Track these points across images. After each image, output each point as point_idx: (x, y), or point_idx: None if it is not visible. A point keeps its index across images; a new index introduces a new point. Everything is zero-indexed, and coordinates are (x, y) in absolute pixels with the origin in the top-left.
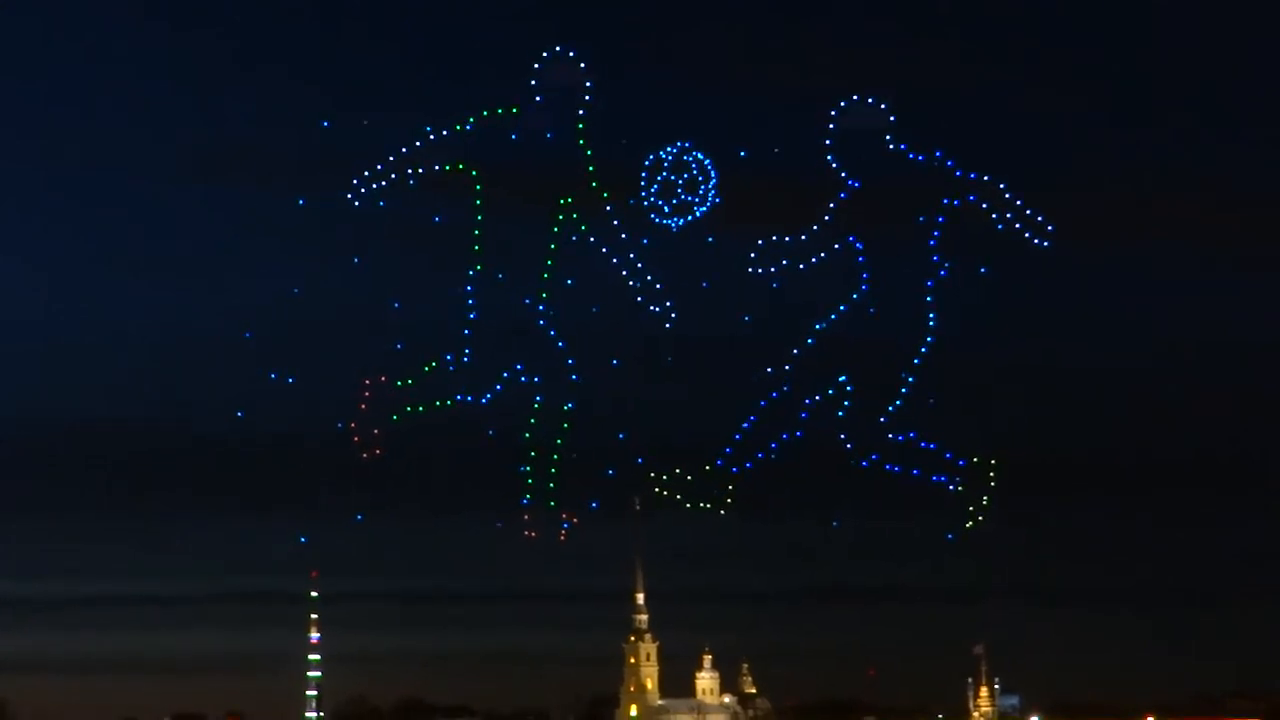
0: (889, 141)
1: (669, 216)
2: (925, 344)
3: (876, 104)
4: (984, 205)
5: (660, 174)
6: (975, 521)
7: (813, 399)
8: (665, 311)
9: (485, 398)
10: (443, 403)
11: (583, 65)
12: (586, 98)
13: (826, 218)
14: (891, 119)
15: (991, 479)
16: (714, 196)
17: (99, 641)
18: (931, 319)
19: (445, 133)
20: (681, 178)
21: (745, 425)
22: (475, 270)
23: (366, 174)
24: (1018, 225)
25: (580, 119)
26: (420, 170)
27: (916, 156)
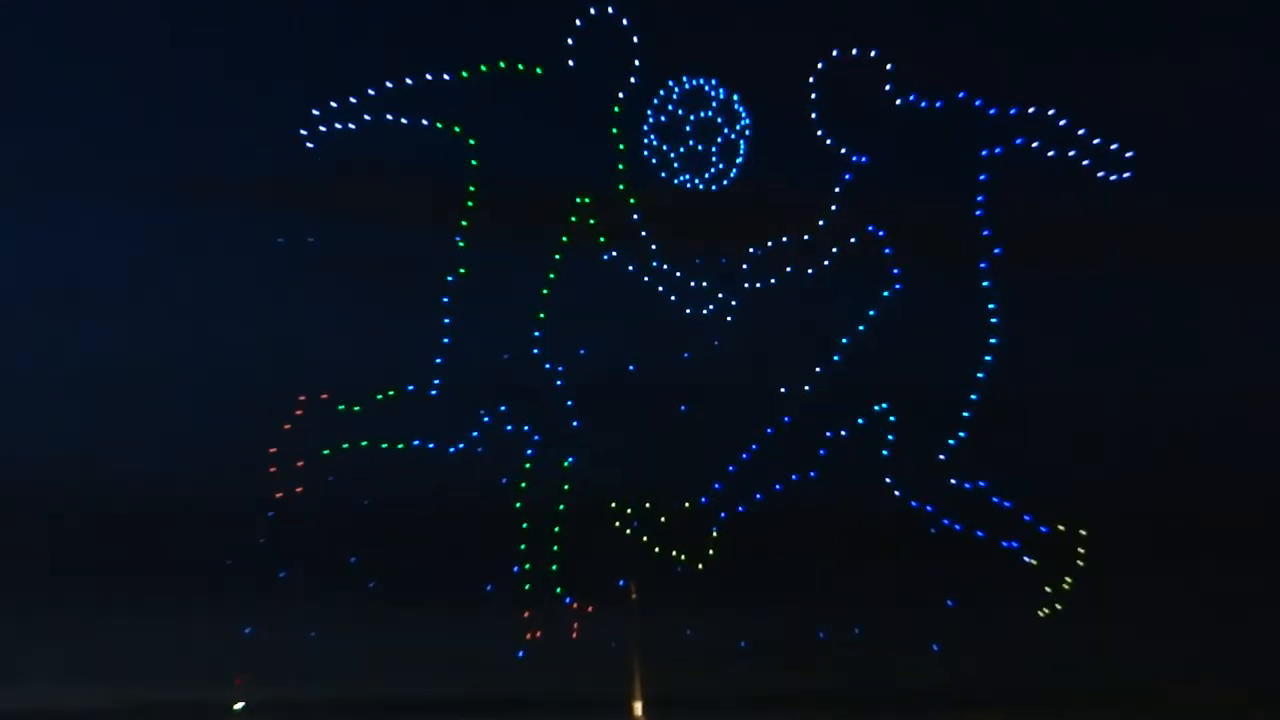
0: (891, 96)
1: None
2: (986, 355)
3: (863, 54)
4: (1035, 145)
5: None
6: (1051, 608)
7: (835, 432)
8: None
9: (458, 445)
10: (393, 445)
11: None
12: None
13: (834, 208)
14: (888, 67)
15: (1081, 551)
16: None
17: None
18: (994, 320)
19: (442, 78)
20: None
21: (731, 467)
22: (456, 276)
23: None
24: (1086, 163)
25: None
26: (400, 119)
27: (933, 104)
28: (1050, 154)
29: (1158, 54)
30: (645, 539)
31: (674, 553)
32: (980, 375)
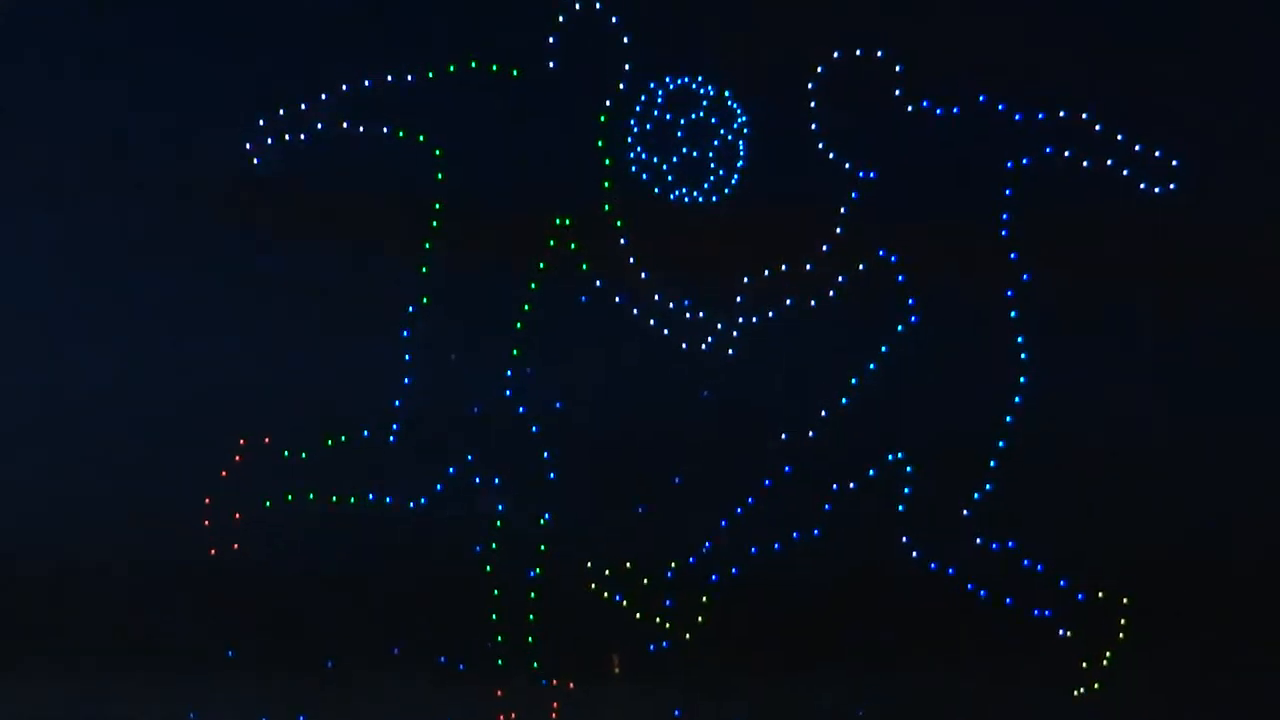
0: (902, 102)
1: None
2: (1015, 396)
3: (868, 56)
4: (1067, 154)
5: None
6: (1089, 687)
7: (843, 485)
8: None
9: (419, 500)
10: (345, 498)
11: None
12: (621, 83)
13: (839, 230)
14: (898, 69)
15: (1123, 623)
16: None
17: None
18: (1023, 356)
19: (405, 79)
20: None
21: (724, 524)
22: (418, 307)
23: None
24: (1125, 172)
25: (605, 109)
26: (358, 127)
27: (949, 110)
28: (1085, 164)
29: (1206, 46)
30: (626, 604)
31: (659, 620)
32: (1008, 420)
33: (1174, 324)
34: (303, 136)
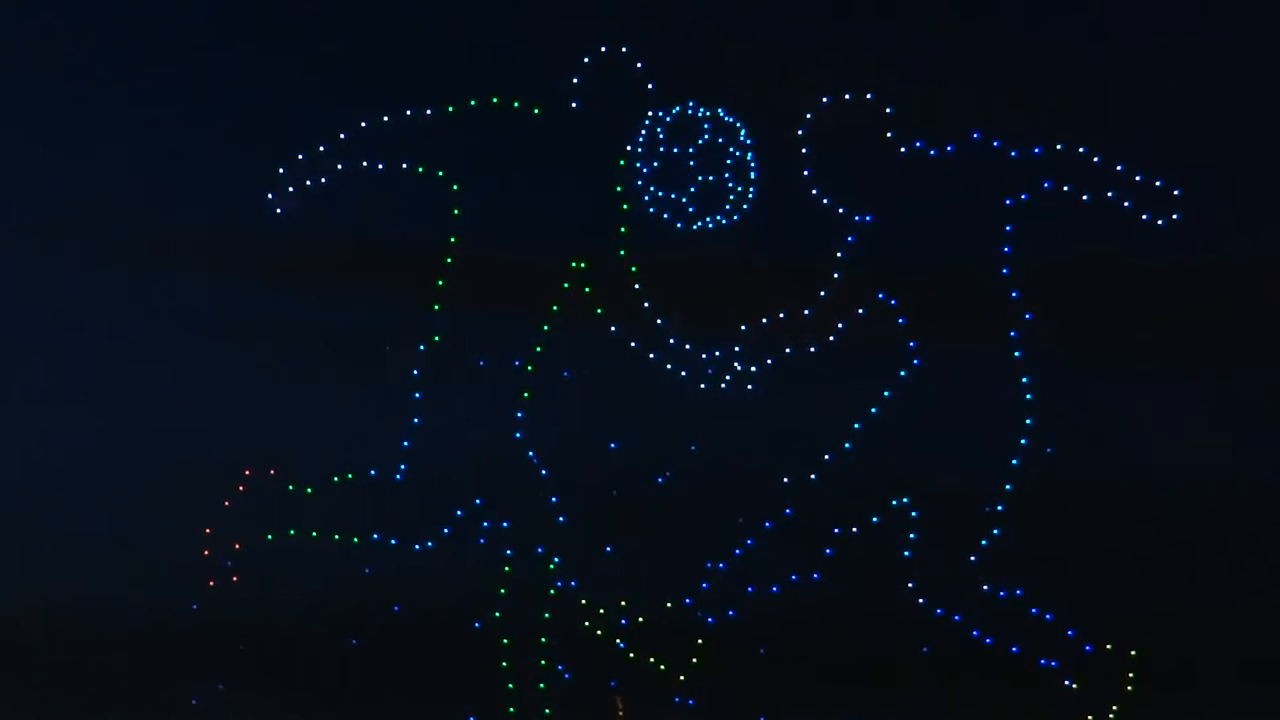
0: (894, 143)
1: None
2: (1021, 439)
3: (857, 99)
4: (1066, 188)
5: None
6: None
7: (845, 529)
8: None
9: (425, 544)
10: (347, 539)
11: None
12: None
13: (835, 275)
14: (887, 110)
15: (1131, 675)
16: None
17: None
18: (1029, 396)
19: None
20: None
21: (722, 565)
22: (429, 345)
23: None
24: (1126, 204)
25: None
26: (376, 164)
27: (943, 149)
28: (1084, 198)
29: (1203, 72)
30: (619, 643)
31: (651, 660)
32: (1014, 462)
33: (1188, 364)
34: (323, 180)
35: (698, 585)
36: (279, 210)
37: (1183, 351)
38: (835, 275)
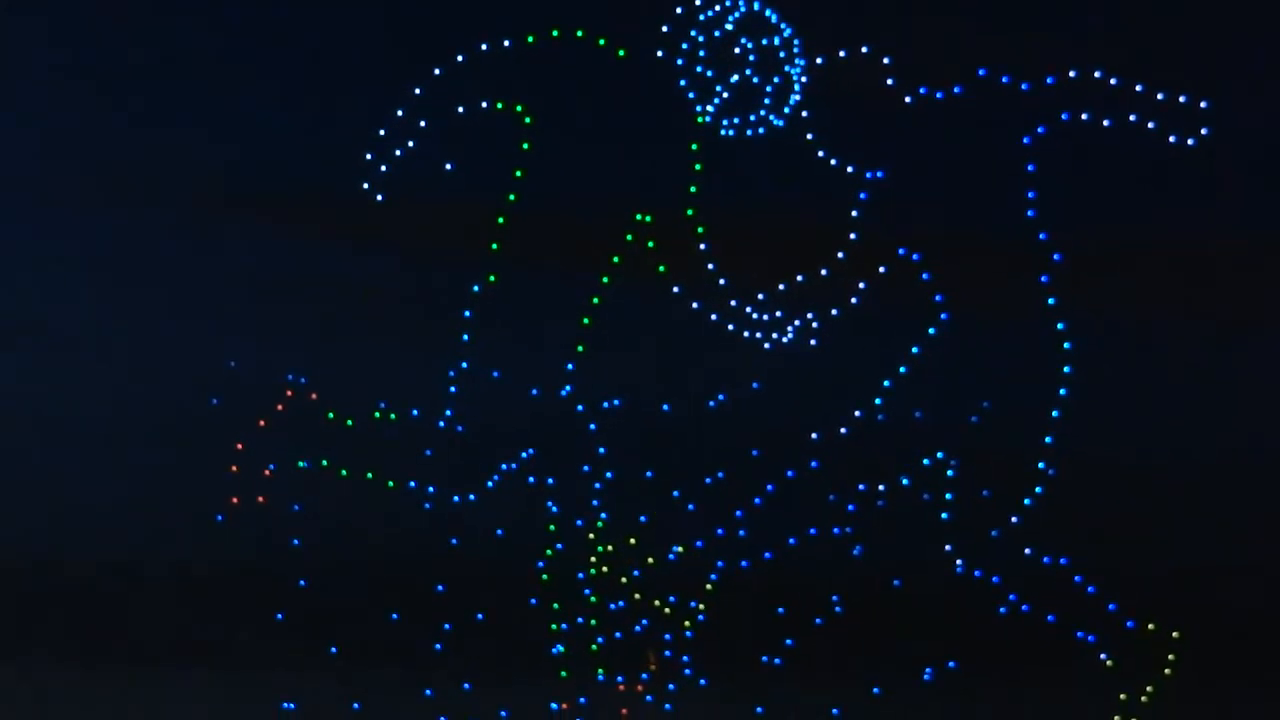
0: (898, 92)
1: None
2: (1060, 388)
3: (853, 54)
4: (1085, 116)
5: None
6: (1125, 718)
7: (871, 486)
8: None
9: (468, 495)
10: (386, 480)
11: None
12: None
13: (853, 235)
14: (885, 60)
15: (1170, 658)
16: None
17: None
18: (1067, 344)
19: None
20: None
21: (739, 513)
22: (483, 285)
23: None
24: (1152, 125)
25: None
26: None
27: (950, 91)
28: (1106, 124)
29: None
30: (624, 581)
31: (656, 604)
32: (1055, 414)
33: (1237, 287)
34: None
35: (713, 529)
36: (364, 185)
37: (1239, 272)
38: (852, 236)
